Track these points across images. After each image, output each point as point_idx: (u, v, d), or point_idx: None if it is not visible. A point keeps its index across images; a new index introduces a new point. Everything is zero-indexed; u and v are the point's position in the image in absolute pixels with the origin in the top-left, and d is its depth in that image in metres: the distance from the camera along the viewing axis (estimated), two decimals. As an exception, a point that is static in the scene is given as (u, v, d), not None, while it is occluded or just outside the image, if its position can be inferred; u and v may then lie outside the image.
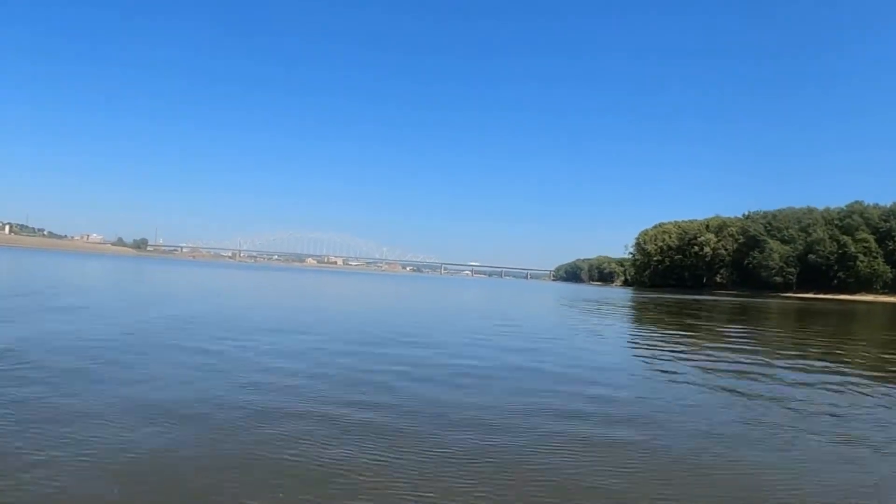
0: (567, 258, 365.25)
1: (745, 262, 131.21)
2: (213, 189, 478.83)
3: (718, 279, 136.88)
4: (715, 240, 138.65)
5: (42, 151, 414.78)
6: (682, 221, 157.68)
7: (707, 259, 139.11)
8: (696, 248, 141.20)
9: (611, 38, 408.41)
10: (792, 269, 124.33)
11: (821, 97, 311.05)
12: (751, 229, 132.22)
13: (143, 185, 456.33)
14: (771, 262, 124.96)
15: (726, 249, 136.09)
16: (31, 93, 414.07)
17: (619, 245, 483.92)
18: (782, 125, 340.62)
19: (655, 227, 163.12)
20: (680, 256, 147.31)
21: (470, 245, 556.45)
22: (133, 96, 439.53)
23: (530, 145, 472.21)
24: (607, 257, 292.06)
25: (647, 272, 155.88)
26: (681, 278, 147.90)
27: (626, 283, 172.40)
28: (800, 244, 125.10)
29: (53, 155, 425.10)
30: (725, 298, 69.84)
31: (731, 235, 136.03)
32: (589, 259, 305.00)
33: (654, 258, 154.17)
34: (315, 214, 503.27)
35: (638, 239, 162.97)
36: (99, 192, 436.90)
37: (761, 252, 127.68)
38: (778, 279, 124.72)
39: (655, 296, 58.63)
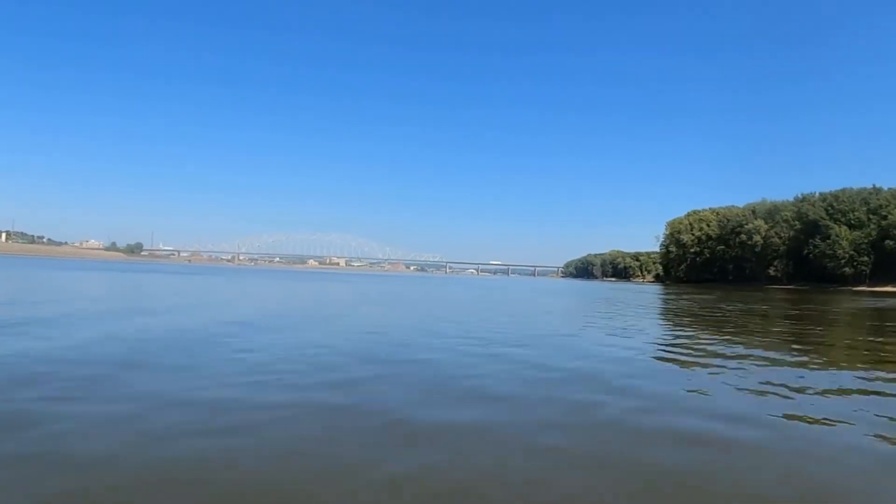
0: (573, 254, 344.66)
1: (805, 251, 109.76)
2: (215, 192, 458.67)
3: (772, 272, 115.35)
4: (766, 227, 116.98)
5: (44, 157, 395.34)
6: (721, 208, 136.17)
7: (757, 249, 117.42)
8: (744, 236, 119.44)
9: (609, 34, 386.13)
10: (865, 259, 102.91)
11: (811, 91, 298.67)
12: (809, 213, 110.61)
13: (144, 190, 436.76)
14: (839, 251, 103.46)
15: (780, 237, 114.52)
16: (27, 97, 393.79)
17: (626, 240, 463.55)
18: (778, 118, 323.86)
19: (689, 214, 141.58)
20: (723, 247, 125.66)
21: (474, 243, 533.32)
22: (137, 99, 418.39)
23: (533, 142, 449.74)
24: (620, 251, 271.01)
25: (682, 266, 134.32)
26: (723, 272, 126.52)
27: (657, 279, 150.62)
28: (872, 228, 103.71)
29: (56, 160, 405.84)
30: (815, 301, 48.87)
31: (786, 221, 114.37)
32: (601, 254, 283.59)
33: (691, 250, 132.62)
34: (316, 215, 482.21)
35: (669, 229, 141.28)
36: (102, 199, 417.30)
37: (824, 239, 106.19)
38: (847, 270, 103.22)
39: (741, 305, 37.58)
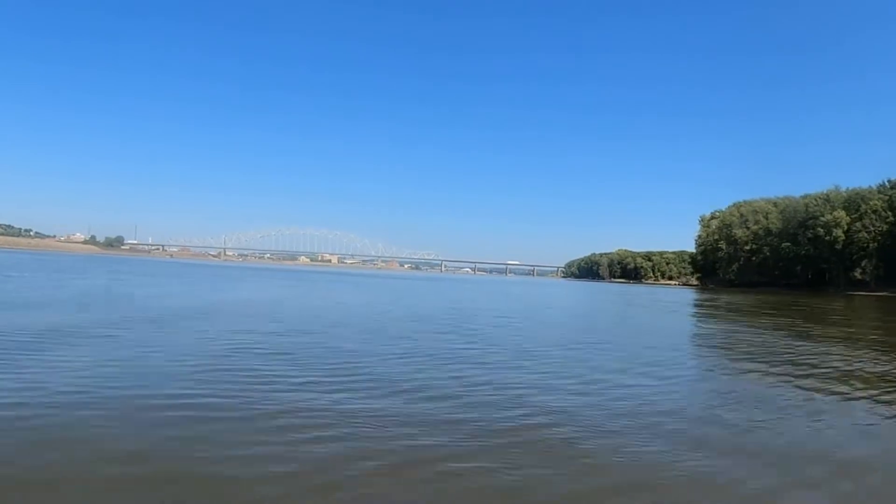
0: (571, 254, 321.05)
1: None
2: (204, 188, 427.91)
3: (858, 275, 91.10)
4: (848, 219, 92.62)
5: (34, 152, 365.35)
6: (780, 198, 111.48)
7: (837, 247, 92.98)
8: (820, 230, 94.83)
9: (612, 35, 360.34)
10: None
11: (810, 92, 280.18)
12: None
13: (133, 186, 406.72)
14: (956, 249, 79.76)
15: (868, 232, 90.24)
16: (17, 92, 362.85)
17: (628, 240, 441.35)
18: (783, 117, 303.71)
19: (737, 205, 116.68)
20: (788, 244, 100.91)
21: (470, 240, 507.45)
22: (127, 95, 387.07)
23: (532, 140, 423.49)
24: (629, 251, 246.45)
25: (734, 266, 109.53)
26: (788, 274, 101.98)
27: (700, 281, 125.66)
28: None
29: (45, 154, 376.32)
30: None
31: (875, 212, 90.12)
32: (608, 253, 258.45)
33: (745, 247, 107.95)
34: (307, 211, 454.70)
35: (718, 222, 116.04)
36: (94, 195, 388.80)
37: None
38: (968, 274, 79.53)
39: None
